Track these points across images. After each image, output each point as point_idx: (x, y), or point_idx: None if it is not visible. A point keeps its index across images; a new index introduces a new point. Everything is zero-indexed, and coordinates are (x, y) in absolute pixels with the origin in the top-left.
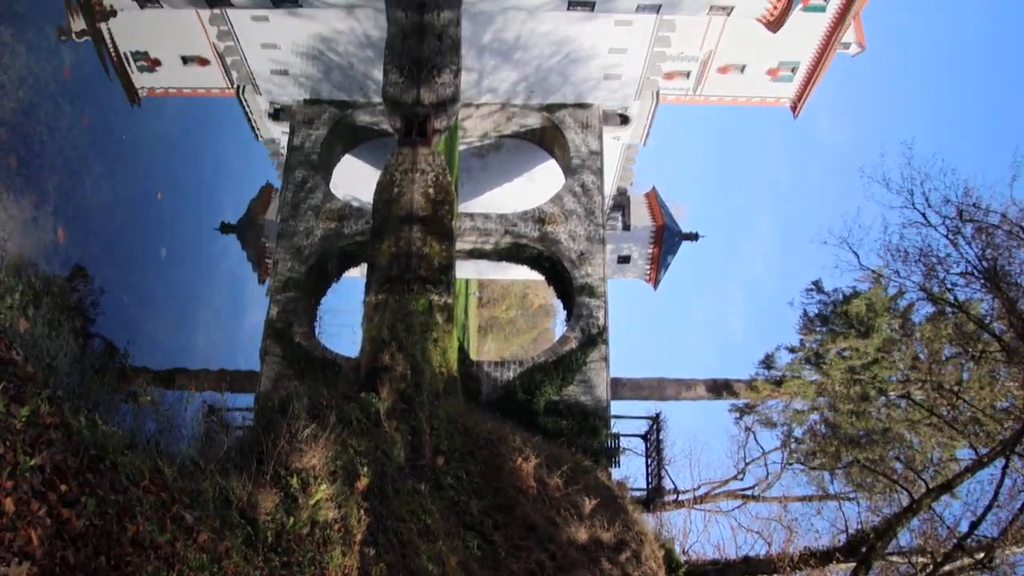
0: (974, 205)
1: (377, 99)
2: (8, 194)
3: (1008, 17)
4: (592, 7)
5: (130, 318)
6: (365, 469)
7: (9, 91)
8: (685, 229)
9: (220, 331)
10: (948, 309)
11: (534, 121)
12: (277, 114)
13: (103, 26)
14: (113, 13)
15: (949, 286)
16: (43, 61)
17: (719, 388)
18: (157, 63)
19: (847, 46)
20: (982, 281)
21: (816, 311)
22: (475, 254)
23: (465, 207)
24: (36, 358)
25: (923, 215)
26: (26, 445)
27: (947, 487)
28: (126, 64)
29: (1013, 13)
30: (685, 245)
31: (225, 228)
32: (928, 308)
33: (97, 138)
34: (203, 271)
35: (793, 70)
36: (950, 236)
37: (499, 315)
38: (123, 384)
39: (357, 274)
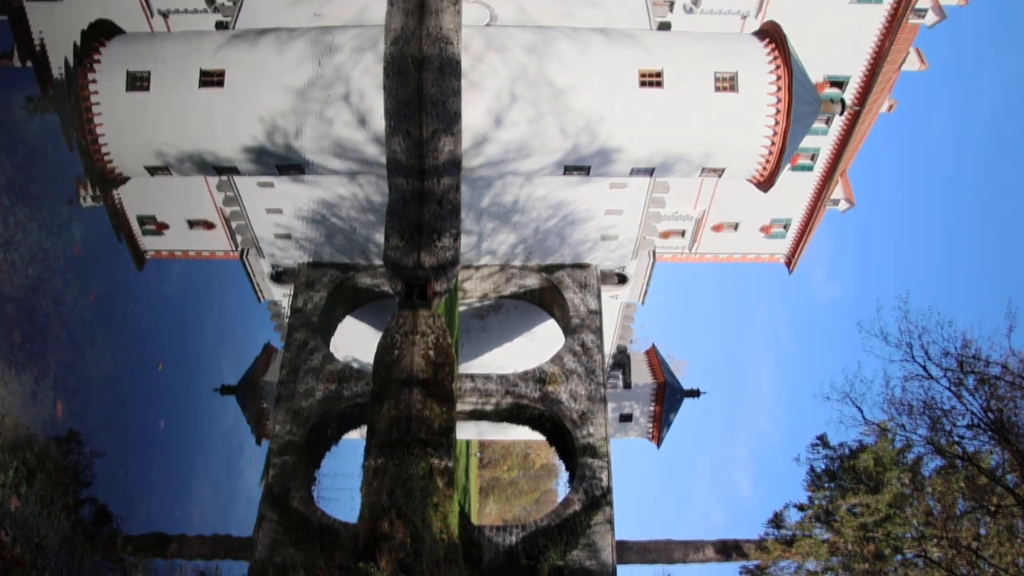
0: (974, 357)
1: (378, 262)
2: (10, 369)
3: (995, 169)
4: (587, 172)
5: (125, 492)
6: None
7: (19, 268)
8: (686, 386)
9: (216, 497)
10: (958, 462)
11: (533, 282)
12: (279, 276)
13: (114, 192)
14: (124, 180)
15: (956, 439)
16: (54, 237)
17: (728, 549)
18: (164, 227)
19: (836, 202)
20: (990, 433)
21: (823, 467)
22: (476, 415)
23: (465, 368)
24: (26, 538)
25: (924, 368)
26: None
27: None
28: (133, 229)
29: (1000, 164)
30: (687, 402)
31: (225, 390)
32: (937, 461)
33: (102, 310)
34: (201, 437)
35: (785, 227)
36: (953, 388)
37: (501, 476)
38: (113, 552)
39: (357, 435)
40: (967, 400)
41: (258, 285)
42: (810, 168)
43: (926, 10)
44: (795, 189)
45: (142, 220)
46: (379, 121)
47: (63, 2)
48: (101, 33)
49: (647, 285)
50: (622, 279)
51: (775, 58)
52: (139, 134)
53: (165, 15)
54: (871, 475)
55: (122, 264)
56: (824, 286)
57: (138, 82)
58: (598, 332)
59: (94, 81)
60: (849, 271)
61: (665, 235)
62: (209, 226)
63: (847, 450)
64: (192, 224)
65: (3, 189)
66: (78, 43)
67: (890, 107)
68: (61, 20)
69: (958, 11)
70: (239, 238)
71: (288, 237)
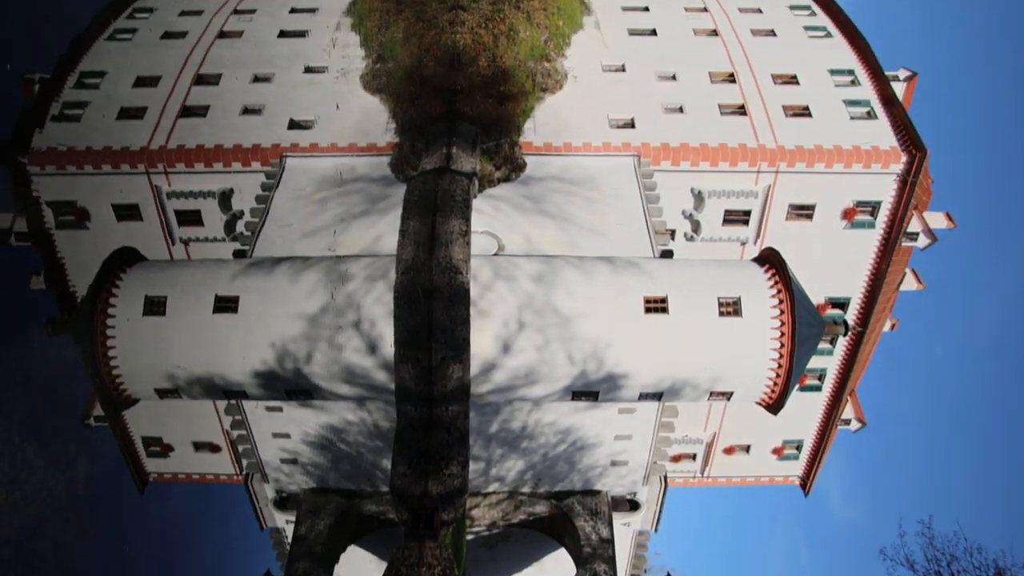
0: None
1: (385, 488)
2: None
3: (1001, 385)
4: (596, 397)
5: None
6: None
7: (20, 507)
8: None
9: None
10: None
11: (542, 509)
12: (283, 502)
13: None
14: (134, 402)
15: None
16: (59, 474)
17: None
18: (169, 449)
19: (848, 422)
20: None
21: None
22: None
23: None
24: None
25: None
26: None
27: None
28: (138, 450)
29: (1005, 380)
30: None
31: None
32: None
33: (99, 548)
34: None
35: (798, 448)
36: None
37: None
38: None
39: None
40: None
41: (261, 512)
42: (819, 388)
43: (917, 233)
44: (805, 410)
45: (147, 442)
46: (389, 348)
47: (89, 231)
48: (123, 260)
49: (660, 511)
50: (634, 505)
51: (776, 283)
52: (152, 357)
53: (186, 243)
54: None
55: (124, 492)
56: (842, 508)
57: (155, 307)
58: (611, 562)
59: (113, 305)
60: (866, 492)
61: (676, 459)
62: (215, 449)
63: None
64: (198, 447)
65: (14, 425)
66: (101, 269)
67: (892, 326)
68: (86, 247)
69: (948, 234)
70: (244, 462)
71: (294, 462)
